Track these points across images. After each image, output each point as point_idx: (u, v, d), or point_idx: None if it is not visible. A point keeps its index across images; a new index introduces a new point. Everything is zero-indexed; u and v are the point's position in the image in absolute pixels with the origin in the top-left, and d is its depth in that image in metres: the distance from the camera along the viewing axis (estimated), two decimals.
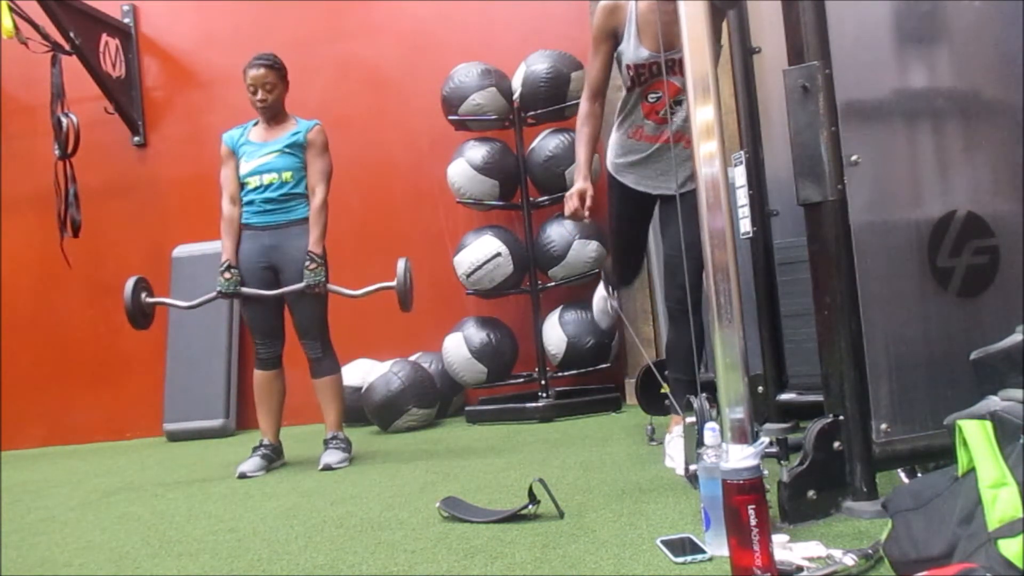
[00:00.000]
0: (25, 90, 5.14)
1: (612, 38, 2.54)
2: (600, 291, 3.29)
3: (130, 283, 3.27)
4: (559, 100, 4.28)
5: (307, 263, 3.20)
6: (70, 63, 4.64)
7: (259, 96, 3.27)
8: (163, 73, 5.31)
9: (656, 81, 2.51)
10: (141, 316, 3.31)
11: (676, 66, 2.44)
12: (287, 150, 3.28)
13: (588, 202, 2.55)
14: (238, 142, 3.35)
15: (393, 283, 3.25)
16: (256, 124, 3.39)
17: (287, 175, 3.26)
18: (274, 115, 3.33)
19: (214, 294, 3.28)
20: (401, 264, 3.28)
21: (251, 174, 3.28)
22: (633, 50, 2.49)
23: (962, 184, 1.87)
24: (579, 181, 2.58)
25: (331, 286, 3.27)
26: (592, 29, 2.60)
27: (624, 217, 2.79)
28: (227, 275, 3.24)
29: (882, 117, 1.85)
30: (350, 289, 3.32)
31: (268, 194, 3.26)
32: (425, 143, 4.86)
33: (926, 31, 1.90)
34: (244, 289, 3.25)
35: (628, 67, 2.51)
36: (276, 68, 3.30)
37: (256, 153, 3.29)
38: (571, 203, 2.55)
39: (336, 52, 5.06)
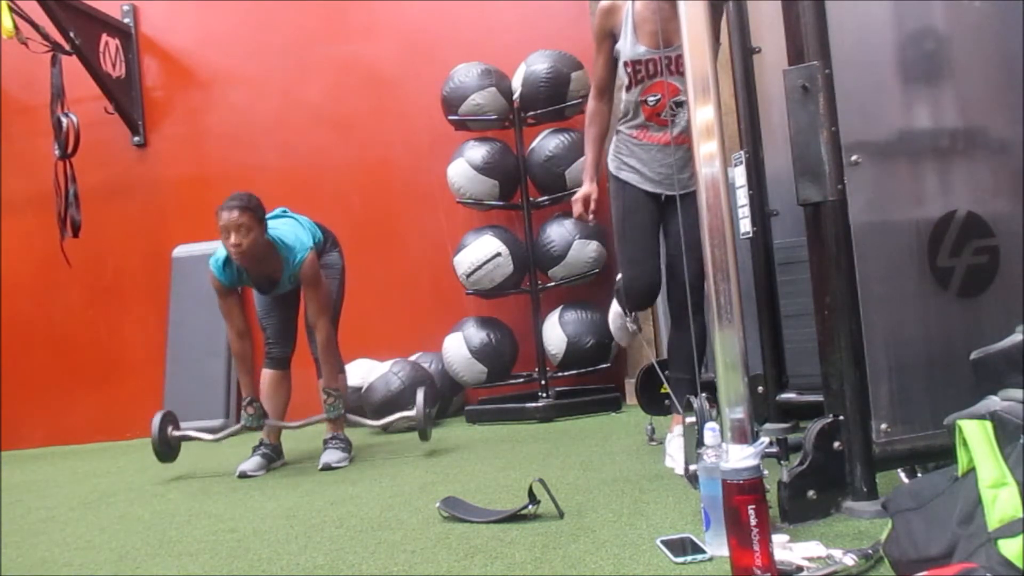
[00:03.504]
0: (25, 90, 5.14)
1: (611, 37, 2.58)
2: (615, 307, 3.02)
3: (157, 419, 3.31)
4: (559, 100, 4.28)
5: (324, 398, 3.25)
6: (70, 63, 4.64)
7: (232, 240, 2.97)
8: (163, 73, 5.30)
9: (654, 83, 2.52)
10: (167, 449, 3.35)
11: (674, 64, 2.46)
12: (290, 285, 3.24)
13: (592, 205, 2.62)
14: (236, 280, 3.16)
15: (413, 412, 3.35)
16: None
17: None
18: (255, 262, 3.07)
19: (238, 427, 3.32)
20: (420, 396, 3.34)
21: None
22: (630, 47, 2.52)
23: (962, 184, 1.87)
24: (586, 183, 2.65)
25: (351, 416, 3.36)
26: (593, 30, 2.64)
27: (632, 219, 2.62)
28: (250, 410, 3.23)
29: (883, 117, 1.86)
30: (372, 420, 3.49)
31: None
32: (425, 143, 4.86)
33: (926, 35, 1.90)
34: (268, 421, 3.27)
35: (626, 64, 2.53)
36: (248, 209, 2.99)
37: (265, 293, 3.29)
38: (577, 207, 2.65)
39: (336, 52, 5.06)
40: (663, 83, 2.49)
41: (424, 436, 3.33)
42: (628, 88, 2.57)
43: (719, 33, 2.58)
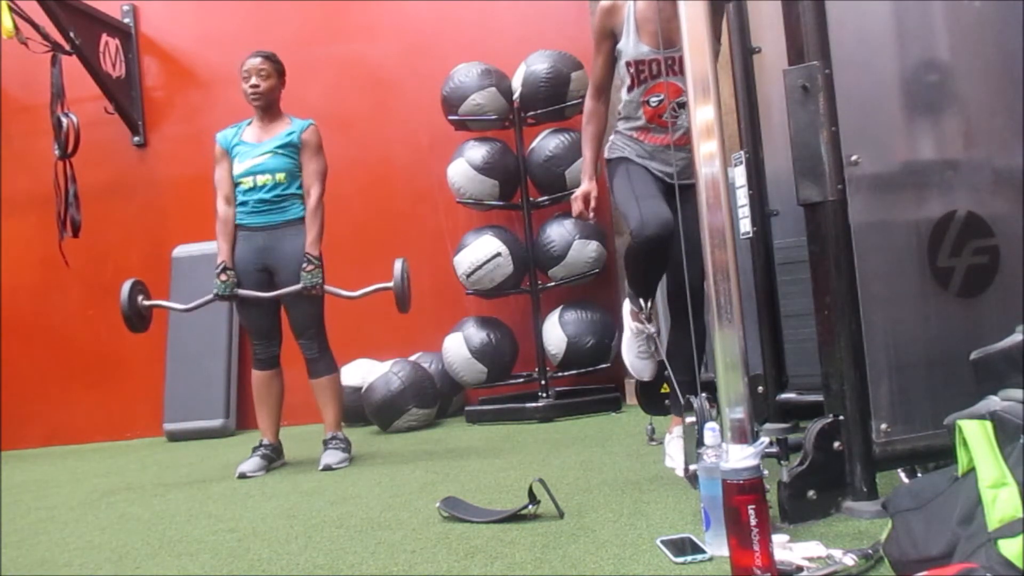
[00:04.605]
0: (25, 90, 5.14)
1: (611, 37, 2.57)
2: (628, 331, 2.65)
3: (126, 286, 3.26)
4: (559, 100, 4.28)
5: (304, 264, 3.19)
6: (70, 63, 4.64)
7: (252, 82, 3.25)
8: (163, 73, 5.31)
9: (656, 83, 2.51)
10: (138, 319, 3.31)
11: (677, 64, 2.45)
12: (280, 151, 3.25)
13: (592, 203, 2.60)
14: (232, 142, 3.31)
15: (390, 284, 3.25)
16: (250, 123, 3.35)
17: (281, 176, 3.24)
18: (267, 107, 3.29)
19: (211, 296, 3.27)
20: (398, 265, 3.28)
21: (244, 174, 3.25)
22: (633, 47, 2.51)
23: (962, 184, 1.87)
24: (585, 181, 2.63)
25: (328, 287, 3.25)
26: (592, 29, 2.63)
27: (638, 177, 2.51)
28: (223, 277, 3.22)
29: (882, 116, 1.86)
30: (348, 290, 3.32)
31: (262, 195, 3.23)
32: (425, 143, 4.86)
33: (926, 36, 1.90)
34: (241, 291, 3.24)
35: (628, 64, 2.52)
36: (273, 60, 3.30)
37: (249, 153, 3.26)
38: (576, 205, 2.62)
39: (336, 52, 5.07)
40: (666, 83, 2.49)
41: (403, 307, 3.28)
42: (630, 89, 2.55)
43: (720, 33, 2.57)
